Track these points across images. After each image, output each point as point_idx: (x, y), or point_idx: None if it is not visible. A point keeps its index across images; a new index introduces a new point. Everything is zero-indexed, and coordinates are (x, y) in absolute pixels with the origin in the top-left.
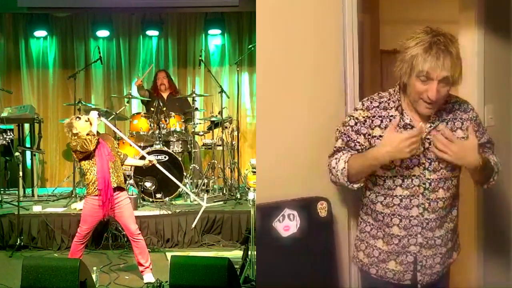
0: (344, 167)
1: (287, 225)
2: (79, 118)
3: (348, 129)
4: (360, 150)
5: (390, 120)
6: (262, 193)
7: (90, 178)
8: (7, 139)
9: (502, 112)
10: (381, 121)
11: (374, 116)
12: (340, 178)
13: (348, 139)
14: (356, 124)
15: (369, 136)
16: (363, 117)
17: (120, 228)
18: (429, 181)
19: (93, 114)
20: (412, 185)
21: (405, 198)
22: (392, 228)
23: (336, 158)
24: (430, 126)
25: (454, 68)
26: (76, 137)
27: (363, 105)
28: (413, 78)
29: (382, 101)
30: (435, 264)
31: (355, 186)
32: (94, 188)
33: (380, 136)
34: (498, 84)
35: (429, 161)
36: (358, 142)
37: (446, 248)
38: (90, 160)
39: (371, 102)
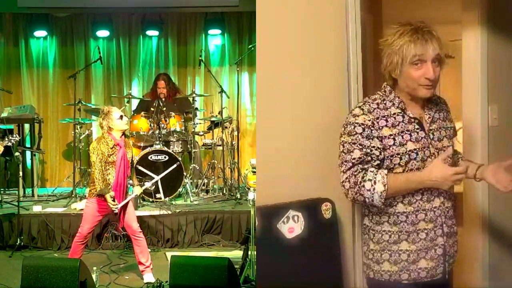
0: (384, 190)
1: (292, 226)
2: (122, 117)
3: (358, 138)
4: (379, 155)
5: (395, 118)
6: (262, 195)
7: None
8: (12, 140)
9: (506, 112)
10: (387, 121)
11: (378, 118)
12: (376, 201)
13: (361, 147)
14: (364, 130)
15: (380, 138)
16: (370, 120)
17: (120, 228)
18: None
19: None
20: None
21: (426, 191)
22: (418, 224)
23: (370, 180)
24: (429, 117)
25: (441, 47)
26: (102, 137)
27: (362, 110)
28: (406, 66)
29: (378, 102)
30: (454, 252)
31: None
32: None
33: (391, 135)
34: (502, 84)
35: (437, 151)
36: (374, 147)
37: (457, 234)
38: (109, 164)
39: (369, 105)
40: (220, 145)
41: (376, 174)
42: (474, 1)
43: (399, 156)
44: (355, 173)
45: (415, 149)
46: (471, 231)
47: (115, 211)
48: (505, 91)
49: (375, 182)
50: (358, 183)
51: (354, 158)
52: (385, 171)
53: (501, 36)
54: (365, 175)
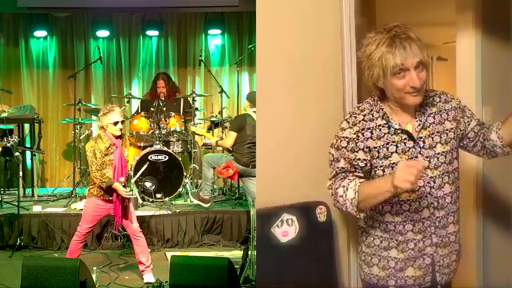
0: (355, 197)
1: (286, 230)
2: (116, 124)
3: (343, 152)
4: (364, 166)
5: (380, 130)
6: (262, 198)
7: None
8: (11, 142)
9: (500, 114)
10: (371, 133)
11: (363, 129)
12: (349, 208)
13: (348, 159)
14: (349, 143)
15: (367, 149)
16: (354, 133)
17: (120, 228)
18: (433, 178)
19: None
20: (418, 186)
21: (413, 201)
22: (407, 234)
23: (343, 186)
24: (419, 125)
25: (422, 50)
26: (98, 136)
27: (348, 122)
28: (389, 77)
29: (365, 113)
30: (452, 262)
31: (361, 215)
32: (102, 191)
33: (375, 147)
34: (497, 86)
35: (428, 158)
36: (359, 159)
37: (458, 244)
38: (106, 163)
39: (355, 117)
40: None
41: (351, 182)
42: (468, 3)
43: (381, 168)
44: (337, 181)
45: (399, 162)
46: (467, 229)
47: (126, 196)
48: (499, 93)
49: (347, 189)
50: (335, 190)
51: (338, 167)
52: (361, 180)
53: (495, 38)
54: (341, 181)
